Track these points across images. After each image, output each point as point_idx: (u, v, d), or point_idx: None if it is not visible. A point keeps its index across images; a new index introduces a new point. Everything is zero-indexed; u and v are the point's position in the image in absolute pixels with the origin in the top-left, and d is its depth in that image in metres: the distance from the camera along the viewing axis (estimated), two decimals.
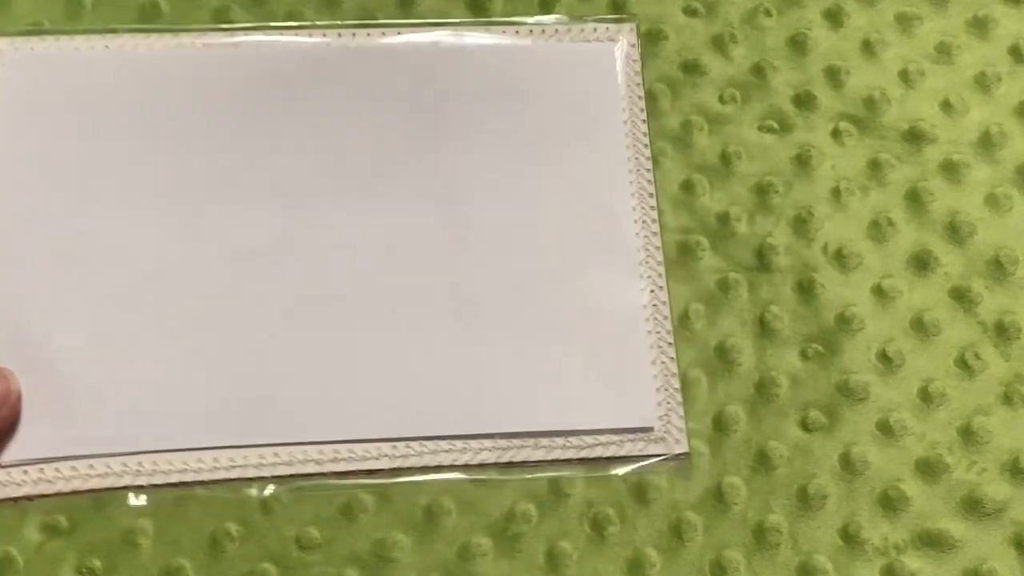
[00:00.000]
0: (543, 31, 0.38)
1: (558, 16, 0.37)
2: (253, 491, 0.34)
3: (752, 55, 0.56)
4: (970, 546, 0.48)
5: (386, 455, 0.34)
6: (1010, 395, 0.50)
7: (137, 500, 0.35)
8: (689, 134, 0.54)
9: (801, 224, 0.53)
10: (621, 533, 0.48)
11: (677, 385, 0.35)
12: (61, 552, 0.47)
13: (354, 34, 0.38)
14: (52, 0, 0.56)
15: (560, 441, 0.35)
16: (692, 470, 0.48)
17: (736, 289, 0.52)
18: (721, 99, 0.55)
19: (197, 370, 0.35)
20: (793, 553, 0.48)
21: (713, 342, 0.51)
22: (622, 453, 0.35)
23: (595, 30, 0.38)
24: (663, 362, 0.35)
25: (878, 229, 0.53)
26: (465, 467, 0.34)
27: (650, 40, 0.56)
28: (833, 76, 0.56)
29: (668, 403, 0.35)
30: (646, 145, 0.37)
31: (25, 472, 0.33)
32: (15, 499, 0.33)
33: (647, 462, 0.36)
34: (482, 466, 0.34)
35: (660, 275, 0.36)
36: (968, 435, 0.50)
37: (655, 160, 0.53)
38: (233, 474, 0.34)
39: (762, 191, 0.53)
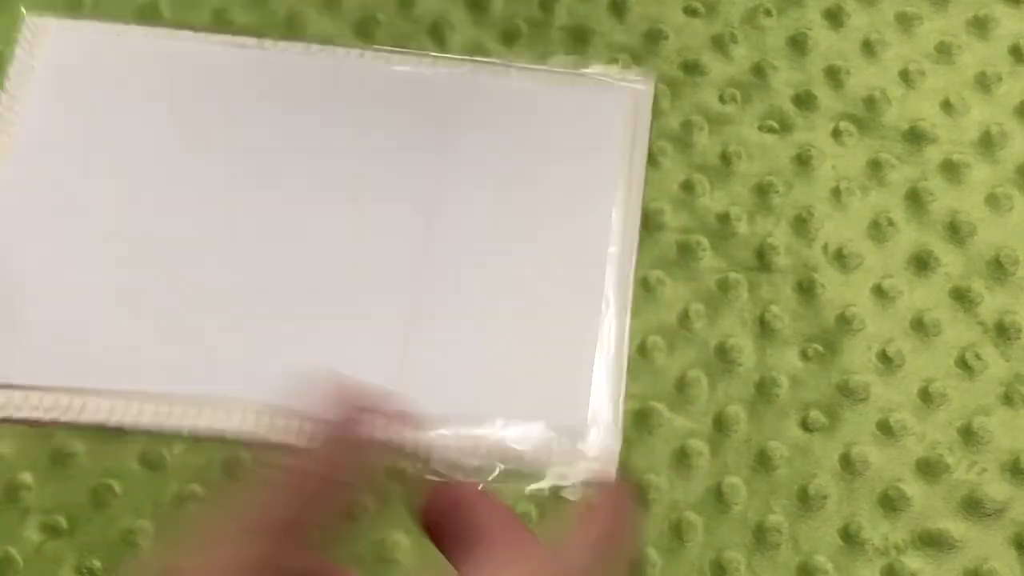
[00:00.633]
0: (562, 73, 0.40)
1: (577, 59, 0.39)
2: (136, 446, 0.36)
3: (752, 55, 0.56)
4: (970, 546, 0.48)
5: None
6: (1010, 395, 0.50)
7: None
8: (689, 134, 0.54)
9: (801, 224, 0.53)
10: None
11: (622, 391, 0.37)
12: (61, 552, 0.47)
13: (366, 55, 0.41)
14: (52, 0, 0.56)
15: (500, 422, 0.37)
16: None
17: (736, 289, 0.52)
18: (721, 99, 0.55)
19: (148, 320, 0.38)
20: (793, 553, 0.48)
21: (713, 342, 0.51)
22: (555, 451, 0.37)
23: (612, 77, 0.40)
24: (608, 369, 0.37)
25: (878, 229, 0.53)
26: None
27: (650, 41, 0.56)
28: (833, 76, 0.56)
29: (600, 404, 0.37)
30: (641, 180, 0.39)
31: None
32: None
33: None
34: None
35: (627, 299, 0.38)
36: (968, 435, 0.49)
37: (655, 160, 0.53)
38: (152, 427, 0.36)
39: (762, 191, 0.53)
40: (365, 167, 0.40)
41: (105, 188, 0.39)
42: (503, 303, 0.39)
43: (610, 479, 0.37)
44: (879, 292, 0.52)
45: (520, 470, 0.36)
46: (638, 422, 0.49)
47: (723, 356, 0.51)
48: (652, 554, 0.47)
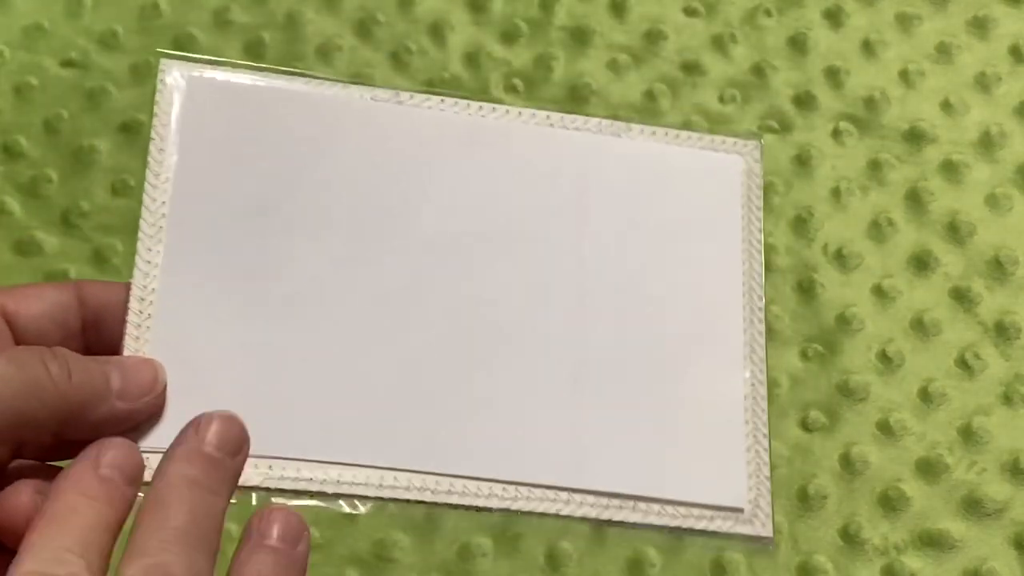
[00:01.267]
0: (677, 135, 0.43)
1: (690, 132, 0.43)
2: (347, 508, 0.37)
3: (752, 55, 0.56)
4: (970, 546, 0.48)
5: (496, 495, 0.37)
6: (1010, 395, 0.50)
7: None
8: None
9: (801, 224, 0.53)
10: (621, 533, 0.48)
11: (768, 473, 0.38)
12: None
13: (507, 111, 0.43)
14: (52, 0, 0.57)
15: (656, 508, 0.38)
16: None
17: None
18: (721, 99, 0.55)
19: (335, 389, 0.38)
20: (793, 553, 0.48)
21: None
22: (712, 528, 0.38)
23: (723, 142, 0.43)
24: (757, 451, 0.39)
25: (878, 229, 0.53)
26: (568, 518, 0.37)
27: (650, 41, 0.56)
28: (833, 76, 0.56)
29: (759, 488, 0.38)
30: (760, 252, 0.41)
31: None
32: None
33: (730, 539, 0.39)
34: (585, 519, 0.37)
35: (762, 370, 0.40)
36: (968, 435, 0.49)
37: None
38: (356, 491, 0.36)
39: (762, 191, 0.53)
40: (509, 222, 0.41)
41: (269, 246, 0.40)
42: (652, 375, 0.40)
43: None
44: (879, 292, 0.52)
45: (690, 528, 0.38)
46: None
47: None
48: (652, 554, 0.47)
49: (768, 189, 0.53)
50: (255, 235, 0.40)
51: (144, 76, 0.54)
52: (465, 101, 0.42)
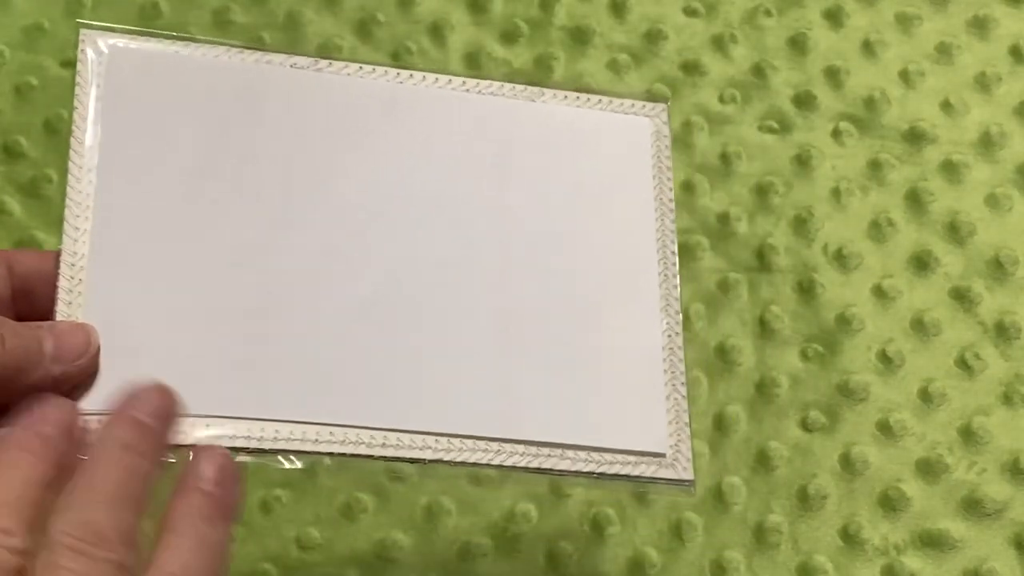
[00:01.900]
0: (588, 99, 0.44)
1: (601, 93, 0.45)
2: (285, 464, 0.37)
3: (752, 55, 0.56)
4: (970, 546, 0.48)
5: (429, 447, 0.38)
6: (1010, 395, 0.50)
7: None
8: (689, 134, 0.54)
9: (801, 224, 0.53)
10: (621, 533, 0.48)
11: (687, 419, 0.39)
12: None
13: (424, 78, 0.44)
14: (52, 0, 0.57)
15: (583, 455, 0.39)
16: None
17: (736, 289, 0.52)
18: (721, 99, 0.55)
19: (267, 348, 0.39)
20: (793, 553, 0.48)
21: (713, 342, 0.51)
22: (636, 473, 0.39)
23: (632, 105, 0.45)
24: (676, 398, 0.40)
25: (878, 229, 0.53)
26: (500, 467, 0.38)
27: (650, 41, 0.56)
28: (833, 76, 0.56)
29: (679, 434, 0.39)
30: (671, 210, 0.42)
31: (99, 422, 0.35)
32: None
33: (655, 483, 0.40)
34: (514, 468, 0.38)
35: (678, 322, 0.41)
36: (968, 435, 0.49)
37: None
38: (292, 446, 0.37)
39: (762, 191, 0.53)
40: (433, 185, 0.42)
41: (203, 209, 0.40)
42: (574, 328, 0.41)
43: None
44: (879, 292, 0.52)
45: (615, 474, 0.39)
46: None
47: (723, 356, 0.51)
48: (652, 554, 0.47)
49: (768, 189, 0.53)
50: (184, 199, 0.40)
51: None
52: (383, 68, 0.43)
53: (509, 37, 0.56)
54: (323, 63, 0.43)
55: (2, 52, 0.56)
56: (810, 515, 0.48)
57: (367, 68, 0.43)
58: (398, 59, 0.56)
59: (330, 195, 0.41)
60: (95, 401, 0.36)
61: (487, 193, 0.43)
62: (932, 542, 0.48)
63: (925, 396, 0.50)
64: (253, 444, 0.38)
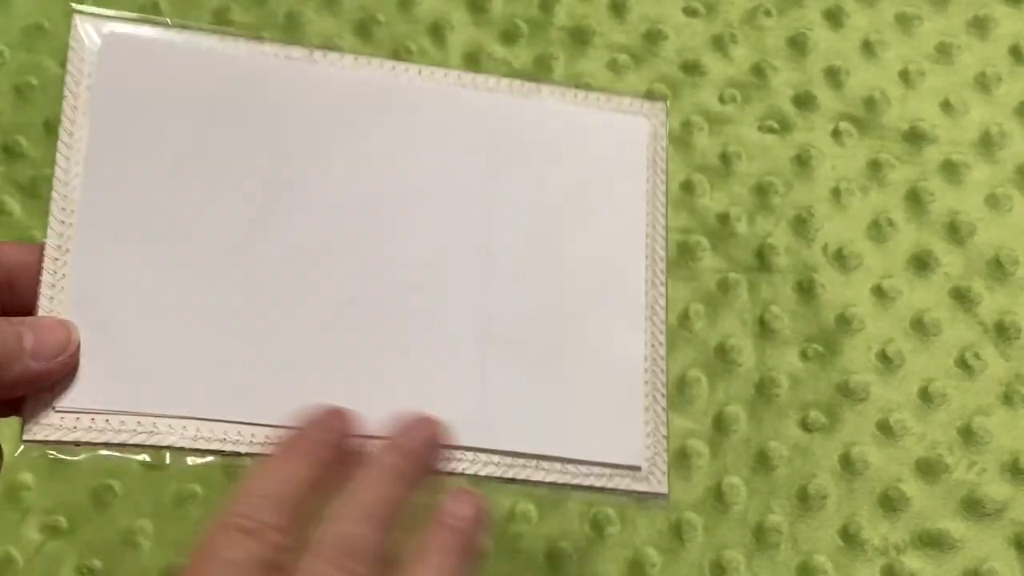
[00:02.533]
0: (586, 96, 0.43)
1: (598, 93, 0.44)
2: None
3: (752, 55, 0.56)
4: (970, 546, 0.48)
5: None
6: (1010, 395, 0.50)
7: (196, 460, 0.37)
8: (689, 134, 0.54)
9: (801, 224, 0.53)
10: (621, 533, 0.48)
11: (664, 432, 0.39)
12: (61, 552, 0.47)
13: (420, 71, 0.43)
14: (52, 0, 0.57)
15: (558, 466, 0.39)
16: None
17: (736, 289, 0.52)
18: (721, 99, 0.55)
19: (250, 348, 0.38)
20: (793, 553, 0.48)
21: (713, 342, 0.51)
22: (610, 485, 0.38)
23: (630, 104, 0.44)
24: (655, 411, 0.39)
25: (878, 229, 0.53)
26: (474, 477, 0.37)
27: (650, 41, 0.56)
28: (833, 76, 0.56)
29: (655, 447, 0.39)
30: (663, 214, 0.41)
31: (77, 419, 0.35)
32: (64, 443, 0.36)
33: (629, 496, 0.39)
34: (489, 478, 0.37)
35: (662, 332, 0.40)
36: (968, 435, 0.49)
37: None
38: (254, 449, 0.37)
39: (762, 191, 0.53)
40: (421, 183, 0.41)
41: (181, 206, 0.39)
42: (556, 334, 0.40)
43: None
44: (879, 292, 0.52)
45: (589, 486, 0.39)
46: None
47: (723, 356, 0.51)
48: (652, 554, 0.47)
49: (768, 189, 0.53)
50: (172, 193, 0.39)
51: None
52: (378, 60, 0.42)
53: (509, 37, 0.56)
54: (318, 54, 0.42)
55: (2, 52, 0.56)
56: (810, 515, 0.48)
57: (362, 60, 0.42)
58: (398, 59, 0.56)
59: (317, 190, 0.40)
60: (75, 400, 0.36)
61: (477, 191, 0.42)
62: (932, 542, 0.48)
63: (925, 396, 0.50)
64: (229, 447, 0.37)
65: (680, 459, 0.49)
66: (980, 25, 0.57)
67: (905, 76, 0.56)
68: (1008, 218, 0.53)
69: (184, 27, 0.41)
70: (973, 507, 0.48)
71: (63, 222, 0.38)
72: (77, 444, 0.37)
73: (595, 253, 0.42)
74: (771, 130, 0.55)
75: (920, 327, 0.51)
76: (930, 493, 0.49)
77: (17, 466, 0.47)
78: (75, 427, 0.36)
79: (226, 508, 0.32)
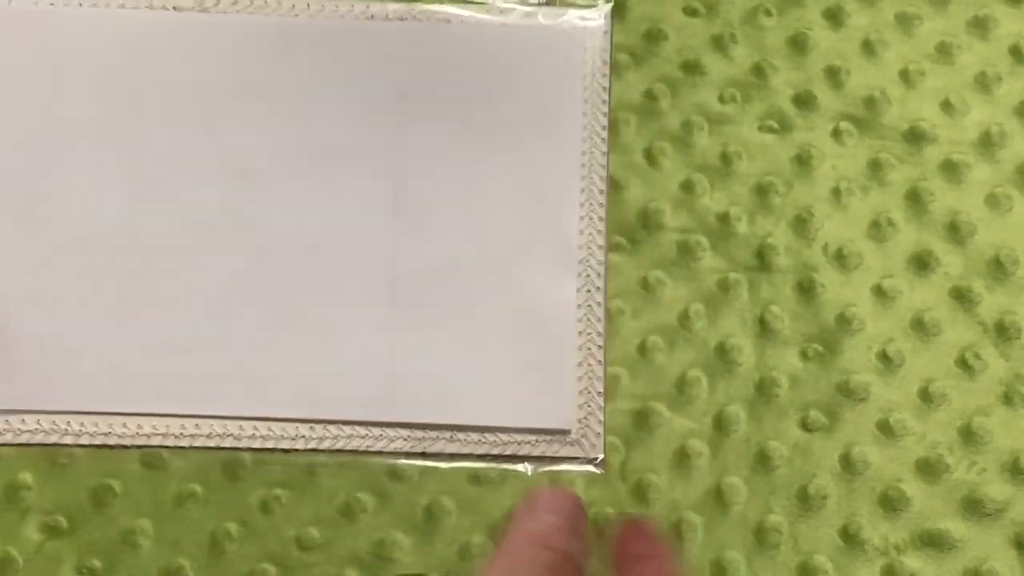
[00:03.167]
0: (513, 10, 0.39)
1: (526, 6, 0.38)
2: (176, 461, 0.35)
3: (752, 55, 0.56)
4: (970, 546, 0.48)
5: (303, 436, 0.35)
6: (1010, 395, 0.50)
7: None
8: (689, 134, 0.54)
9: (801, 224, 0.53)
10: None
11: (600, 389, 0.36)
12: (61, 552, 0.47)
13: (323, 7, 0.39)
14: None
15: (475, 436, 0.36)
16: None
17: (736, 289, 0.52)
18: (721, 99, 0.55)
19: (133, 335, 0.36)
20: (793, 553, 0.48)
21: (713, 342, 0.51)
22: (536, 453, 0.36)
23: (565, 14, 0.38)
24: (590, 364, 0.36)
25: (878, 229, 0.53)
26: (379, 453, 0.35)
27: (650, 40, 0.56)
28: (833, 76, 0.56)
29: (589, 406, 0.36)
30: (604, 140, 0.37)
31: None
32: None
33: (561, 465, 0.37)
34: (396, 453, 0.35)
35: (600, 275, 0.36)
36: (968, 435, 0.49)
37: (654, 160, 0.53)
38: (154, 441, 0.35)
39: (762, 191, 0.53)
40: (326, 134, 0.38)
41: (58, 183, 0.36)
42: (476, 290, 0.37)
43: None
44: (879, 292, 0.52)
45: (512, 455, 0.37)
46: (638, 422, 0.49)
47: (723, 356, 0.51)
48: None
49: (768, 189, 0.53)
50: (40, 170, 0.37)
51: None
52: (276, 1, 0.38)
53: None
54: (209, 2, 0.38)
55: None
56: (810, 515, 0.48)
57: (258, 2, 0.38)
58: None
59: (212, 151, 0.37)
60: None
61: (387, 139, 0.38)
62: (932, 542, 0.48)
63: (925, 396, 0.50)
64: (113, 440, 0.35)
65: (680, 459, 0.49)
66: (980, 25, 0.57)
67: (905, 76, 0.56)
68: (1008, 218, 0.53)
69: None
70: (973, 507, 0.48)
71: None
72: None
73: (522, 195, 0.38)
74: (771, 130, 0.55)
75: (920, 327, 0.51)
76: (930, 493, 0.49)
77: (17, 466, 0.47)
78: None
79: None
